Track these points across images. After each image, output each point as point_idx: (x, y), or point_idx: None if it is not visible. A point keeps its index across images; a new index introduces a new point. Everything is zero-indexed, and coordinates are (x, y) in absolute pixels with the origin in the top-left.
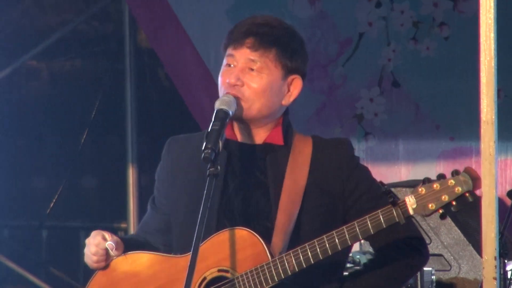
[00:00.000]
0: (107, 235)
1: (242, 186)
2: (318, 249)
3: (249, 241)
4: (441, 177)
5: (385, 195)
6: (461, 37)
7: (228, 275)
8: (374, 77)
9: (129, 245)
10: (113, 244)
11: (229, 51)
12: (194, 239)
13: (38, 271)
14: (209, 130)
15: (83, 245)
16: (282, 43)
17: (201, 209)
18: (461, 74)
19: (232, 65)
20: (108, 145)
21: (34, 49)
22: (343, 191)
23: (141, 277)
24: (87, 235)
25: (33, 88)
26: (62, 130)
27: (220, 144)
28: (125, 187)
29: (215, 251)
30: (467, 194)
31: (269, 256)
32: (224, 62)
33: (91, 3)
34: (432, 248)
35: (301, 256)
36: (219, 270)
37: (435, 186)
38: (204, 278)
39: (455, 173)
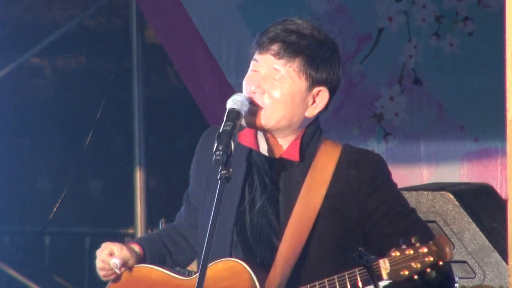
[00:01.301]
0: (115, 248)
1: (256, 201)
2: None
3: (243, 277)
4: (410, 243)
5: (411, 215)
6: (486, 32)
7: None
8: (395, 75)
9: (151, 251)
10: (118, 263)
11: (255, 55)
12: (202, 257)
13: (41, 279)
14: (220, 130)
15: (88, 252)
16: (308, 52)
17: (211, 217)
18: (486, 71)
19: (256, 71)
20: (115, 146)
21: (37, 45)
22: (361, 213)
23: None
24: (92, 241)
25: (36, 87)
26: (67, 131)
27: (232, 145)
28: (132, 190)
29: (211, 281)
30: (440, 263)
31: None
32: (250, 66)
33: None
34: (455, 255)
35: None
36: None
37: (407, 252)
38: None
39: (427, 239)
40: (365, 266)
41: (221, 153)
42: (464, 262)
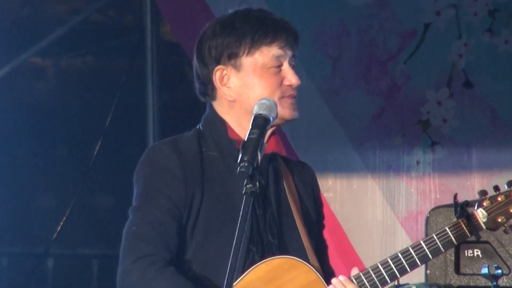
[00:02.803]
0: None
1: (265, 204)
2: (386, 274)
3: (299, 270)
4: (497, 189)
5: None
6: None
7: None
8: (443, 76)
9: None
10: None
11: (274, 50)
12: (228, 271)
13: None
14: (245, 139)
15: (96, 277)
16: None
17: (236, 232)
18: None
19: (283, 65)
20: (126, 157)
21: (39, 43)
22: (316, 212)
23: None
24: (101, 264)
25: (37, 90)
26: (72, 140)
27: (259, 156)
28: None
29: (263, 284)
30: None
31: (325, 284)
32: (267, 62)
33: None
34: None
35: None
36: None
37: (499, 198)
38: None
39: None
40: (466, 217)
41: (246, 164)
42: None
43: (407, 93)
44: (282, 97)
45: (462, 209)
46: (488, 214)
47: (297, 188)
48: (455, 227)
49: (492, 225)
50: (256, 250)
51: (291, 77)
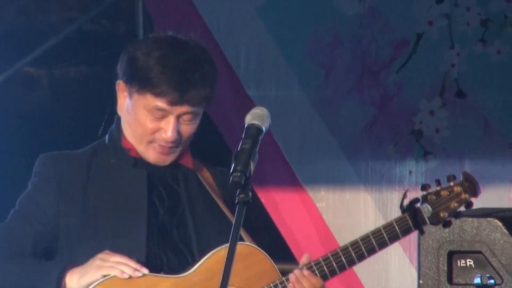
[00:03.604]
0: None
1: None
2: (336, 264)
3: (255, 258)
4: (439, 183)
5: None
6: None
7: None
8: (435, 86)
9: None
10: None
11: (159, 102)
12: (222, 275)
13: None
14: (238, 149)
15: None
16: None
17: (229, 241)
18: None
19: (169, 118)
20: None
21: (32, 53)
22: None
23: None
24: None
25: (30, 100)
26: (66, 149)
27: (252, 166)
28: None
29: (217, 268)
30: (471, 200)
31: (279, 273)
32: (149, 109)
33: None
34: None
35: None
36: None
37: (443, 193)
38: None
39: (452, 177)
40: (411, 213)
41: (238, 174)
42: None
43: (399, 103)
44: (151, 142)
45: (409, 204)
46: (433, 209)
47: (220, 190)
48: (401, 221)
49: (435, 220)
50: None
51: (164, 134)
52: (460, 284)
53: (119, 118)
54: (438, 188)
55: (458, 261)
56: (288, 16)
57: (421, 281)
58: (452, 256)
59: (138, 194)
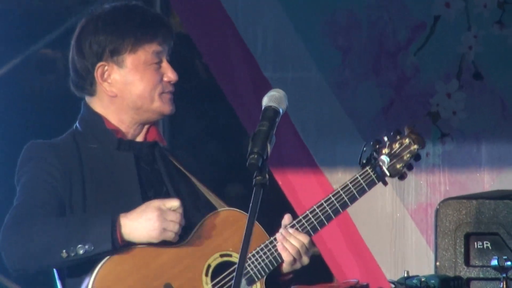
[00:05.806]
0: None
1: (156, 186)
2: (315, 220)
3: (242, 222)
4: (388, 137)
5: None
6: None
7: (232, 259)
8: (452, 68)
9: None
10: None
11: (155, 46)
12: (237, 268)
13: None
14: (255, 131)
15: None
16: None
17: (246, 223)
18: None
19: (163, 62)
20: None
21: (49, 35)
22: None
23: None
24: None
25: (48, 82)
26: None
27: (269, 148)
28: None
29: (210, 235)
30: (419, 151)
31: (266, 234)
32: (148, 59)
33: None
34: None
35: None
36: (221, 255)
37: (394, 146)
38: (209, 266)
39: (398, 132)
40: (372, 166)
41: (255, 156)
42: None
43: (416, 85)
44: (162, 93)
45: (367, 159)
46: (390, 161)
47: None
48: (364, 175)
49: (394, 172)
50: None
51: (170, 74)
52: (477, 266)
53: (87, 105)
54: (388, 142)
55: (475, 243)
56: None
57: (438, 263)
58: (469, 238)
59: (129, 179)
